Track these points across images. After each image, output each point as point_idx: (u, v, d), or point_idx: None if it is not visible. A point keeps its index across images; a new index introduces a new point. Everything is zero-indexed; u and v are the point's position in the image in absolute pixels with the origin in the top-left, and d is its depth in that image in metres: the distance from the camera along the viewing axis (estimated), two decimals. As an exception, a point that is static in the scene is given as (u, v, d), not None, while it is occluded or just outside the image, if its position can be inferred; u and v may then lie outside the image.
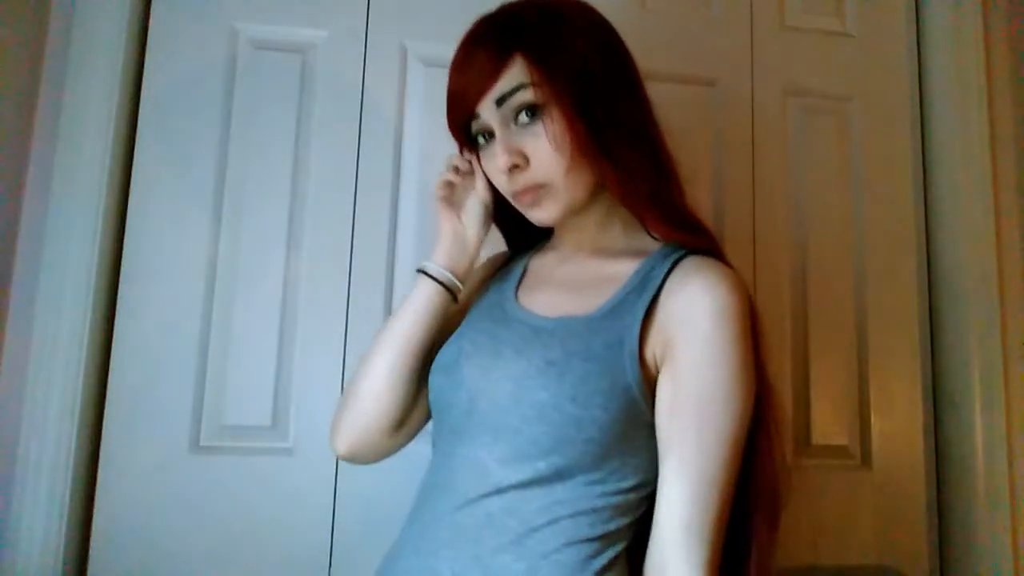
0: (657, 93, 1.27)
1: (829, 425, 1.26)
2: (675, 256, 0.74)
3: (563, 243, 0.85)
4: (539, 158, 0.72)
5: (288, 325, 1.13)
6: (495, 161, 0.74)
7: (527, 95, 0.71)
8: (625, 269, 0.76)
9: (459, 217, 0.84)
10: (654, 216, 0.75)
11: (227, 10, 1.18)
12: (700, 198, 1.28)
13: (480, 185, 0.83)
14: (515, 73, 0.71)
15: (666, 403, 0.68)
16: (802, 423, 1.25)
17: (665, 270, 0.72)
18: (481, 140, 0.77)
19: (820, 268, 1.30)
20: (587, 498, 0.68)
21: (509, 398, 0.68)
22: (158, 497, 1.07)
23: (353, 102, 1.19)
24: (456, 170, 0.84)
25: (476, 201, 0.84)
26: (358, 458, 0.83)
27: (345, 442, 0.81)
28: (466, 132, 0.78)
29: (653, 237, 0.79)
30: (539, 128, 0.72)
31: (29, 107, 1.10)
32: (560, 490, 0.67)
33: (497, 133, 0.74)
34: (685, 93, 1.29)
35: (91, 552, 1.05)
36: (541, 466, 0.67)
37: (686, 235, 0.75)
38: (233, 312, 1.12)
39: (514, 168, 0.73)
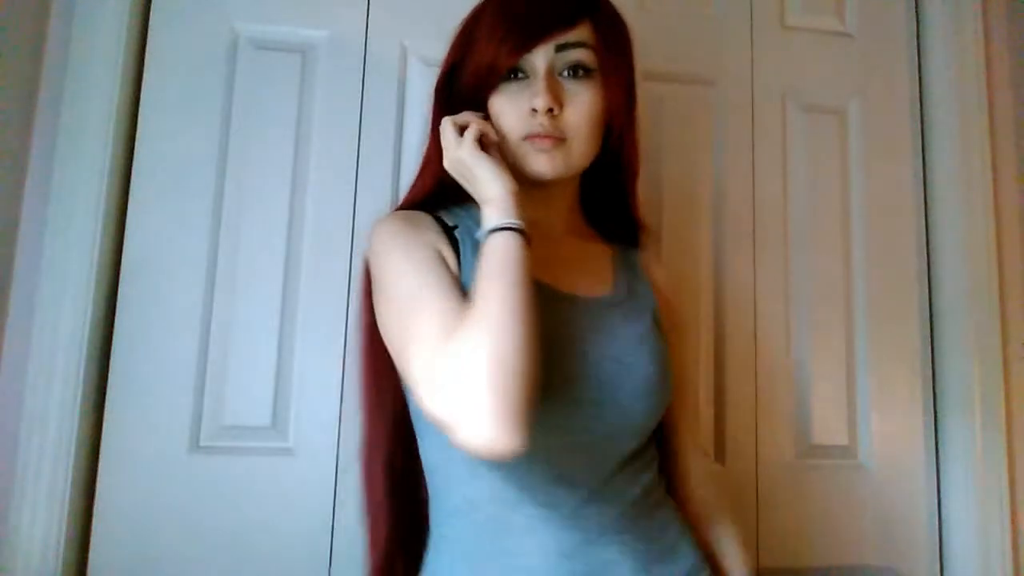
0: (657, 93, 1.28)
1: (829, 425, 1.26)
2: (631, 244, 0.90)
3: (538, 217, 0.78)
4: (572, 113, 0.76)
5: (288, 325, 1.13)
6: (530, 99, 0.75)
7: (585, 55, 0.77)
8: (600, 250, 0.87)
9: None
10: (635, 199, 0.89)
11: (227, 10, 1.18)
12: (700, 198, 1.28)
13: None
14: (582, 32, 0.77)
15: (677, 368, 0.81)
16: (802, 423, 1.25)
17: (637, 255, 0.89)
18: (513, 76, 0.78)
19: (820, 268, 1.30)
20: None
21: (646, 378, 0.77)
22: (158, 497, 1.07)
23: (353, 102, 1.19)
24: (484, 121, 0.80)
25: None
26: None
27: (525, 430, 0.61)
28: (498, 62, 0.76)
29: (586, 224, 0.90)
30: (582, 88, 0.77)
31: (29, 107, 1.10)
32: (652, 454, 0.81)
33: (542, 75, 0.76)
34: (685, 93, 1.29)
35: (91, 552, 1.05)
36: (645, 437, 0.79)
37: (641, 226, 0.91)
38: (233, 312, 1.12)
39: (551, 113, 0.75)
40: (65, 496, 1.03)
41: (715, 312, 1.25)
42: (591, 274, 0.82)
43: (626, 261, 0.87)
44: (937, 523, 1.27)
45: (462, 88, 0.81)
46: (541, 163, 0.77)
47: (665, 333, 0.82)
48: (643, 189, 1.23)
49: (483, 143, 0.76)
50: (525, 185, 0.75)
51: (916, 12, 1.40)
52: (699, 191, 1.28)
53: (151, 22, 1.17)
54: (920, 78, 1.39)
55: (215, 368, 1.11)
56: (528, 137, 0.76)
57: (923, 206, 1.35)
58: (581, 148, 0.78)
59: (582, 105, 0.76)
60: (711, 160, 1.29)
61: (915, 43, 1.39)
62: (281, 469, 1.10)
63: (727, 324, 1.25)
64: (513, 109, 0.77)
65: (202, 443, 1.09)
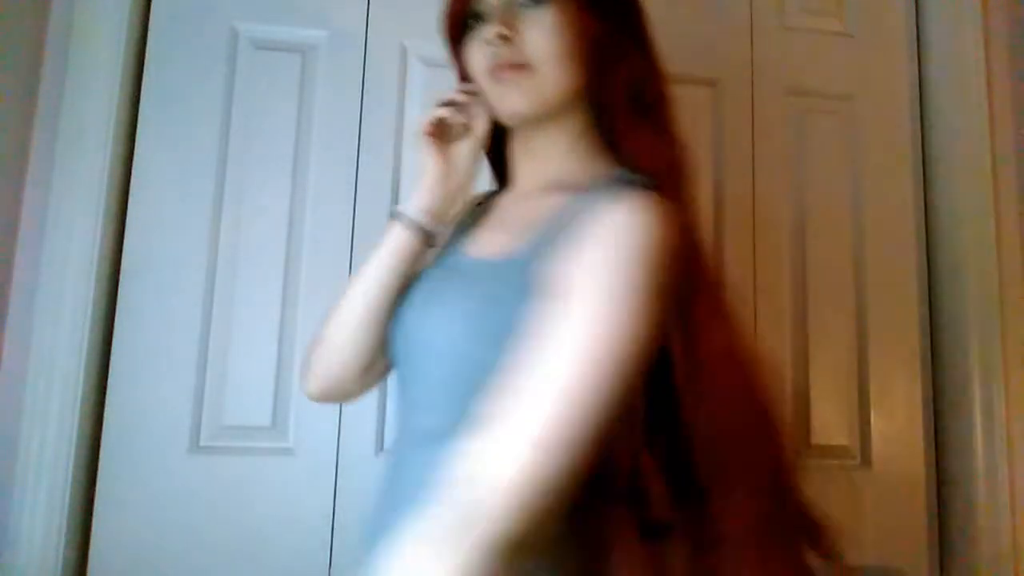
0: (657, 93, 1.28)
1: (829, 425, 1.26)
2: (615, 187, 0.66)
3: (522, 176, 0.78)
4: (533, 37, 0.69)
5: (288, 325, 1.13)
6: (484, 35, 0.71)
7: None
8: (555, 203, 0.70)
9: (447, 155, 0.78)
10: (628, 138, 0.70)
11: (227, 10, 1.18)
12: (700, 198, 1.27)
13: (480, 119, 0.77)
14: None
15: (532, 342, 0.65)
16: (802, 423, 1.25)
17: (594, 204, 0.64)
18: (471, 23, 0.73)
19: (820, 268, 1.30)
20: None
21: (432, 347, 0.68)
22: (158, 497, 1.07)
23: (353, 102, 1.19)
24: (451, 104, 0.78)
25: (470, 138, 0.78)
26: (328, 399, 0.84)
27: (317, 385, 0.79)
28: (462, 21, 0.74)
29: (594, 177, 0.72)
30: (542, 12, 0.69)
31: (29, 107, 1.10)
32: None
33: (497, 4, 0.71)
34: (685, 93, 1.29)
35: (91, 552, 1.05)
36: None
37: (650, 163, 0.69)
38: (233, 312, 1.12)
39: (503, 38, 0.69)
40: (65, 496, 1.03)
41: (715, 312, 1.25)
42: (510, 233, 0.71)
43: (568, 214, 0.66)
44: (937, 523, 1.27)
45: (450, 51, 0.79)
46: (511, 99, 0.70)
47: (540, 299, 0.60)
48: (643, 189, 1.24)
49: (447, 127, 0.77)
50: (524, 139, 0.74)
51: (916, 12, 1.40)
52: (699, 190, 1.27)
53: (151, 22, 1.17)
54: (920, 78, 1.39)
55: (215, 368, 1.11)
56: (491, 73, 0.71)
57: (923, 206, 1.35)
58: (553, 75, 0.69)
59: (543, 27, 0.69)
60: (711, 160, 1.29)
61: (915, 43, 1.39)
62: (281, 469, 1.10)
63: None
64: (476, 51, 0.73)
65: (202, 443, 1.09)
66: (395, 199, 1.18)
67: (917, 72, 1.39)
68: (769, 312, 1.27)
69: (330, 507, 1.10)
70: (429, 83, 1.21)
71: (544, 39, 0.69)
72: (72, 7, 1.12)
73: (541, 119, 0.72)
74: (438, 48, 1.20)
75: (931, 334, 1.32)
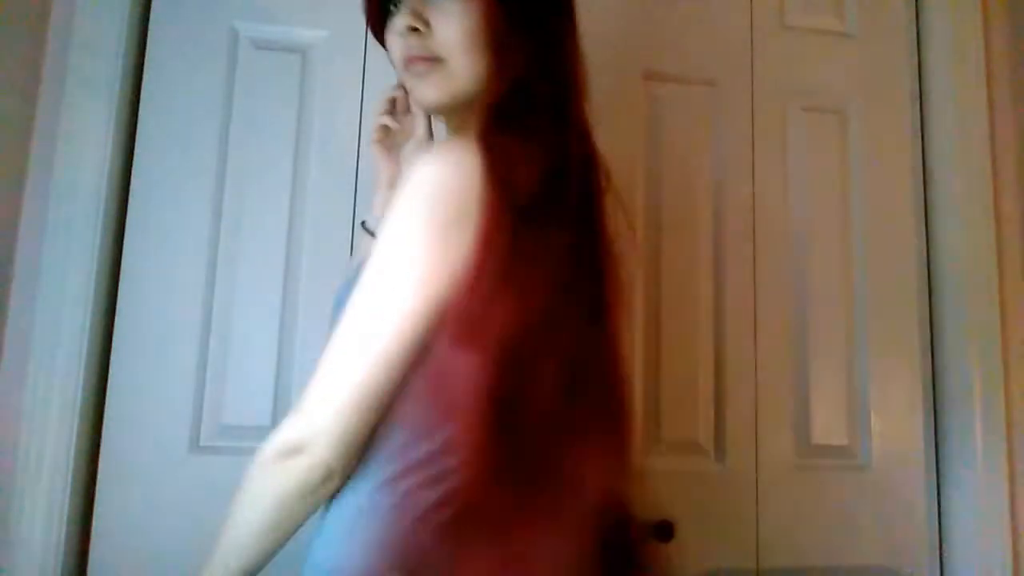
0: (657, 93, 1.28)
1: (829, 425, 1.26)
2: None
3: None
4: (444, 31, 0.70)
5: (288, 325, 1.13)
6: (396, 27, 0.72)
7: None
8: None
9: (397, 159, 0.82)
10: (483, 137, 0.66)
11: (227, 10, 1.18)
12: (700, 198, 1.28)
13: (420, 122, 0.81)
14: None
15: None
16: (801, 423, 1.25)
17: None
18: (392, 9, 0.75)
19: (820, 268, 1.30)
20: None
21: None
22: (158, 497, 1.07)
23: (353, 102, 1.19)
24: (391, 108, 0.81)
25: (414, 142, 0.82)
26: None
27: None
28: (380, 6, 0.76)
29: None
30: (453, 4, 0.70)
31: (29, 107, 1.10)
32: None
33: None
34: (685, 93, 1.29)
35: (91, 552, 1.05)
36: None
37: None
38: (233, 312, 1.12)
39: (413, 31, 0.70)
40: (65, 496, 1.03)
41: (715, 312, 1.25)
42: None
43: None
44: (937, 523, 1.27)
45: None
46: (422, 91, 0.73)
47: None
48: (642, 189, 1.25)
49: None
50: (447, 124, 0.76)
51: (916, 12, 1.40)
52: (699, 191, 1.28)
53: (151, 22, 1.17)
54: (920, 78, 1.39)
55: (215, 368, 1.11)
56: (405, 64, 0.73)
57: (923, 206, 1.35)
58: (462, 66, 0.70)
59: (452, 19, 0.70)
60: (711, 160, 1.29)
61: (915, 43, 1.39)
62: (281, 469, 1.10)
63: (727, 324, 1.25)
64: (392, 41, 0.75)
65: (202, 443, 1.09)
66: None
67: (917, 72, 1.39)
68: (769, 312, 1.26)
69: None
70: (429, 83, 1.21)
71: (453, 31, 0.70)
72: (72, 7, 1.12)
73: (456, 108, 0.74)
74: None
75: (931, 334, 1.32)
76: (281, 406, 1.11)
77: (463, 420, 0.61)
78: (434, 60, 0.71)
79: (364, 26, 1.19)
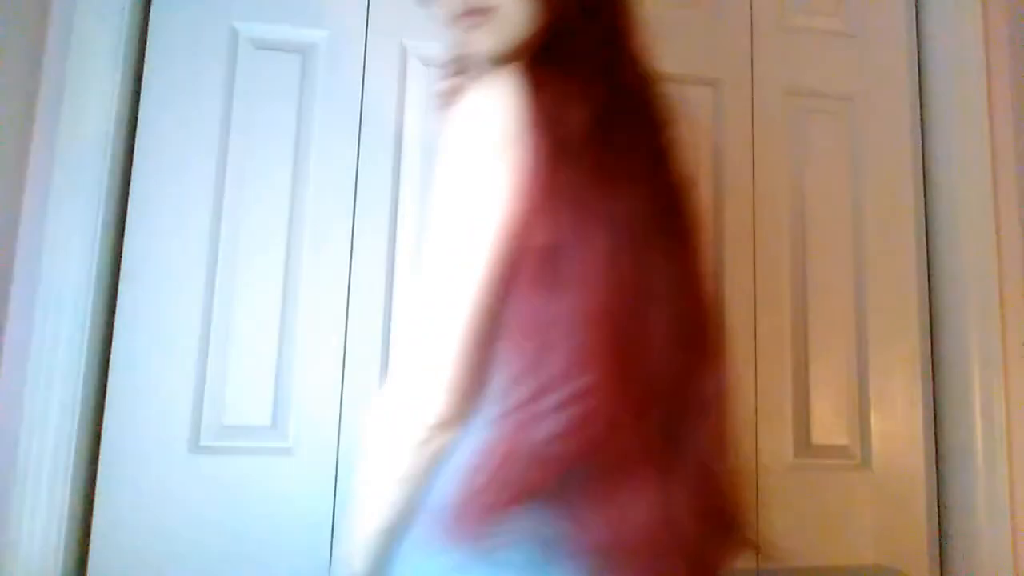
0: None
1: (829, 425, 1.26)
2: None
3: None
4: None
5: (288, 325, 1.13)
6: None
7: None
8: None
9: None
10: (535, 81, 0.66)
11: (227, 10, 1.18)
12: (700, 198, 1.28)
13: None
14: None
15: None
16: (802, 423, 1.25)
17: None
18: None
19: (820, 268, 1.30)
20: None
21: None
22: (158, 497, 1.07)
23: (353, 102, 1.19)
24: (453, 70, 0.82)
25: None
26: None
27: None
28: None
29: None
30: None
31: (29, 107, 1.10)
32: None
33: None
34: (685, 93, 1.29)
35: (91, 552, 1.05)
36: None
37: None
38: (233, 312, 1.12)
39: None
40: (65, 496, 1.03)
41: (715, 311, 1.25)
42: None
43: None
44: (937, 523, 1.27)
45: None
46: (478, 40, 0.73)
47: None
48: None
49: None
50: (503, 49, 0.74)
51: (916, 12, 1.40)
52: (699, 191, 1.28)
53: (151, 22, 1.17)
54: (920, 78, 1.39)
55: (215, 368, 1.11)
56: (457, 20, 0.74)
57: (923, 206, 1.35)
58: (513, 11, 0.70)
59: None
60: (711, 160, 1.29)
61: (915, 43, 1.39)
62: (281, 469, 1.10)
63: (727, 324, 1.25)
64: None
65: (202, 443, 1.09)
66: (395, 200, 1.18)
67: (917, 72, 1.39)
68: (769, 312, 1.26)
69: (330, 507, 1.10)
70: (429, 83, 1.21)
71: None
72: (73, 7, 1.12)
73: (509, 55, 0.72)
74: (438, 48, 1.21)
75: (931, 334, 1.32)
76: (281, 406, 1.11)
77: (592, 361, 0.60)
78: (486, 10, 0.72)
79: (364, 26, 1.21)
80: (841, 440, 1.26)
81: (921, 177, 1.36)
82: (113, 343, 1.10)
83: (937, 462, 1.29)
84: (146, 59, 1.16)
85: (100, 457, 1.07)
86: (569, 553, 0.60)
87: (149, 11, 1.17)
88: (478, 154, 0.63)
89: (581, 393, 0.59)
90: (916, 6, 1.40)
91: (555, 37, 0.70)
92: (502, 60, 0.72)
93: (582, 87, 0.65)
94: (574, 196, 0.62)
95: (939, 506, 1.28)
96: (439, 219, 0.65)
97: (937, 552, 1.26)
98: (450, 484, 0.64)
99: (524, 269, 0.62)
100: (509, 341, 0.63)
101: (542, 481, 0.59)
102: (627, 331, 0.61)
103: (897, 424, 1.28)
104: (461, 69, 0.81)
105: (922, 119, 1.38)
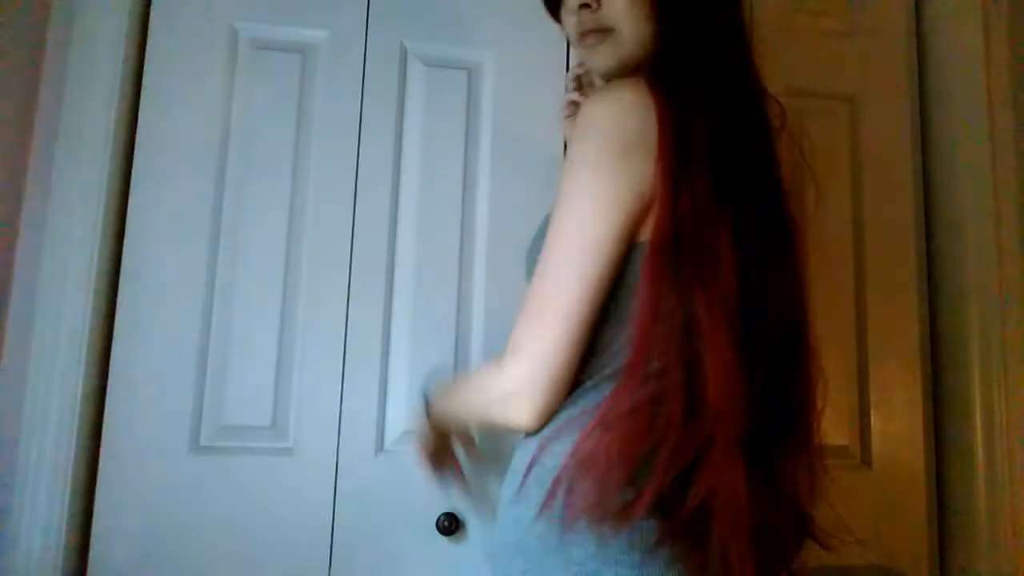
0: (657, 93, 1.28)
1: (829, 425, 1.25)
2: None
3: None
4: (612, 4, 0.77)
5: (288, 325, 1.13)
6: (569, 5, 0.80)
7: None
8: None
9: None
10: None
11: (227, 10, 1.18)
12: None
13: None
14: None
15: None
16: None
17: None
18: None
19: (820, 268, 1.29)
20: None
21: None
22: (158, 497, 1.07)
23: (353, 102, 1.19)
24: (578, 85, 0.98)
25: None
26: None
27: None
28: None
29: None
30: None
31: (29, 107, 1.10)
32: None
33: None
34: (685, 93, 1.29)
35: (91, 552, 1.05)
36: None
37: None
38: (233, 312, 1.12)
39: (585, 7, 0.78)
40: (65, 496, 1.03)
41: (715, 312, 1.25)
42: None
43: None
44: (937, 523, 1.27)
45: None
46: (595, 59, 0.80)
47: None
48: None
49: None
50: (621, 66, 0.80)
51: (916, 11, 1.40)
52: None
53: (151, 22, 1.17)
54: (920, 77, 1.39)
55: (215, 368, 1.11)
56: (578, 39, 0.81)
57: (923, 206, 1.35)
58: (629, 33, 0.77)
59: None
60: (711, 160, 1.29)
61: (915, 42, 1.39)
62: (281, 469, 1.10)
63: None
64: (567, 17, 0.82)
65: (202, 443, 1.09)
66: (395, 200, 1.18)
67: (917, 72, 1.39)
68: (769, 312, 1.26)
69: (330, 507, 1.10)
70: (429, 83, 1.21)
71: (620, 3, 0.77)
72: (72, 7, 1.12)
73: (627, 72, 0.79)
74: (438, 48, 1.22)
75: (931, 334, 1.32)
76: (281, 406, 1.11)
77: (712, 352, 0.63)
78: (605, 31, 0.78)
79: (364, 26, 1.21)
80: (841, 440, 1.26)
81: (921, 177, 1.36)
82: (113, 343, 1.10)
83: (937, 462, 1.29)
84: (146, 59, 1.16)
85: (100, 457, 1.07)
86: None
87: (149, 11, 1.17)
88: (599, 152, 0.68)
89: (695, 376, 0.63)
90: (916, 6, 1.40)
91: (678, 53, 0.74)
92: (619, 76, 0.79)
93: (705, 98, 0.70)
94: (698, 200, 0.65)
95: (939, 506, 1.28)
96: (561, 213, 0.69)
97: (937, 552, 1.26)
98: (535, 449, 0.68)
99: (648, 265, 0.66)
100: (622, 324, 0.68)
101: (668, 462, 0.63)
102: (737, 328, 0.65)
103: (897, 424, 1.28)
104: (583, 84, 0.93)
105: (922, 119, 1.38)
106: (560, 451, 0.66)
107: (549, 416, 0.69)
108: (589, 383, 0.70)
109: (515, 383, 0.68)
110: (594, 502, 0.62)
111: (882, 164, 1.34)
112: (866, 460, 1.26)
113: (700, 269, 0.64)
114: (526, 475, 0.68)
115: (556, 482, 0.65)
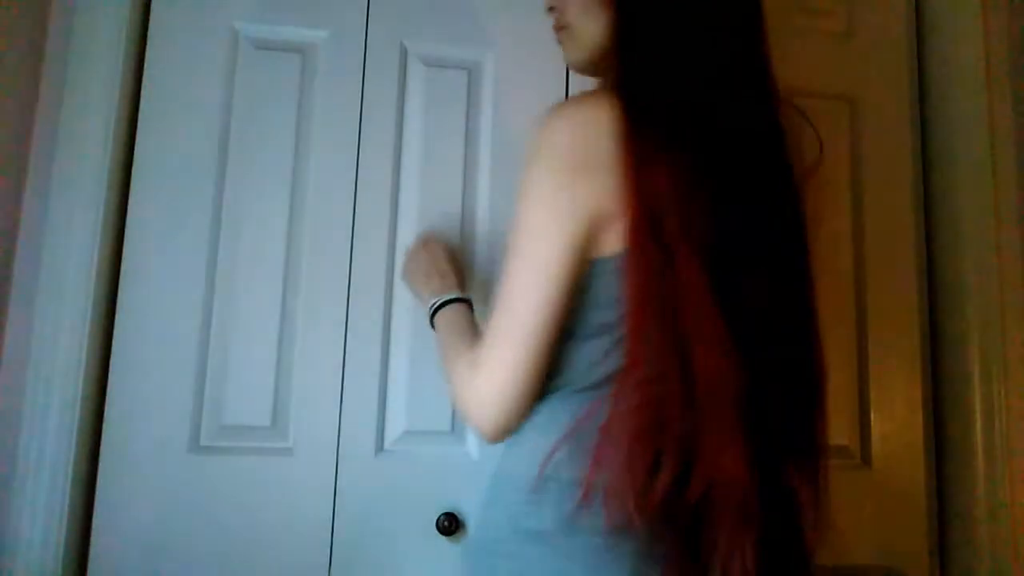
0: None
1: (829, 425, 1.26)
2: None
3: None
4: (566, 1, 0.81)
5: (288, 325, 1.13)
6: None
7: None
8: None
9: None
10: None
11: (227, 10, 1.18)
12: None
13: None
14: None
15: None
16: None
17: None
18: None
19: (820, 268, 1.29)
20: None
21: None
22: (158, 497, 1.07)
23: (353, 102, 1.19)
24: None
25: None
26: None
27: None
28: None
29: None
30: None
31: (29, 107, 1.10)
32: None
33: None
34: (685, 93, 1.29)
35: (91, 552, 1.05)
36: None
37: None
38: (233, 312, 1.12)
39: (551, 10, 0.84)
40: (65, 496, 1.03)
41: (715, 312, 1.25)
42: None
43: None
44: (937, 523, 1.27)
45: None
46: (565, 54, 0.85)
47: None
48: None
49: None
50: (587, 59, 0.83)
51: (916, 12, 1.40)
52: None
53: (151, 22, 1.17)
54: (920, 78, 1.39)
55: (215, 368, 1.11)
56: (556, 36, 0.85)
57: (923, 206, 1.35)
58: (580, 28, 0.80)
59: None
60: (711, 160, 1.29)
61: (915, 43, 1.39)
62: (281, 469, 1.10)
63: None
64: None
65: (202, 443, 1.09)
66: (395, 200, 1.18)
67: (917, 72, 1.39)
68: (769, 312, 1.26)
69: (330, 507, 1.10)
70: (429, 83, 1.21)
71: (574, 1, 0.80)
72: (72, 7, 1.12)
73: (598, 68, 0.82)
74: (438, 48, 1.22)
75: (931, 334, 1.32)
76: (281, 406, 1.11)
77: (699, 333, 0.63)
78: (564, 28, 0.83)
79: (364, 26, 1.21)
80: (841, 440, 1.26)
81: (921, 176, 1.36)
82: (113, 343, 1.10)
83: (937, 462, 1.29)
84: (146, 59, 1.16)
85: (100, 457, 1.07)
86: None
87: (149, 11, 1.17)
88: (549, 172, 0.69)
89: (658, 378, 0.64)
90: (916, 6, 1.40)
91: (638, 48, 0.73)
92: (588, 71, 0.83)
93: (668, 98, 0.69)
94: (665, 204, 0.65)
95: (939, 506, 1.28)
96: (514, 232, 0.71)
97: (937, 552, 1.26)
98: (516, 454, 0.72)
99: (603, 274, 0.68)
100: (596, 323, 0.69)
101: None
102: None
103: (897, 424, 1.28)
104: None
105: (922, 119, 1.38)
106: (567, 460, 0.68)
107: (508, 430, 0.72)
108: (555, 396, 0.72)
109: (479, 396, 0.71)
110: (625, 494, 0.62)
111: (882, 164, 1.34)
112: (866, 460, 1.26)
113: (672, 261, 0.64)
114: (538, 485, 0.69)
115: (585, 487, 0.65)
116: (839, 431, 1.26)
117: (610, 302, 0.68)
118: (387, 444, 1.13)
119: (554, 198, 0.68)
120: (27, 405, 1.04)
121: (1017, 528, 1.21)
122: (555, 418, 0.70)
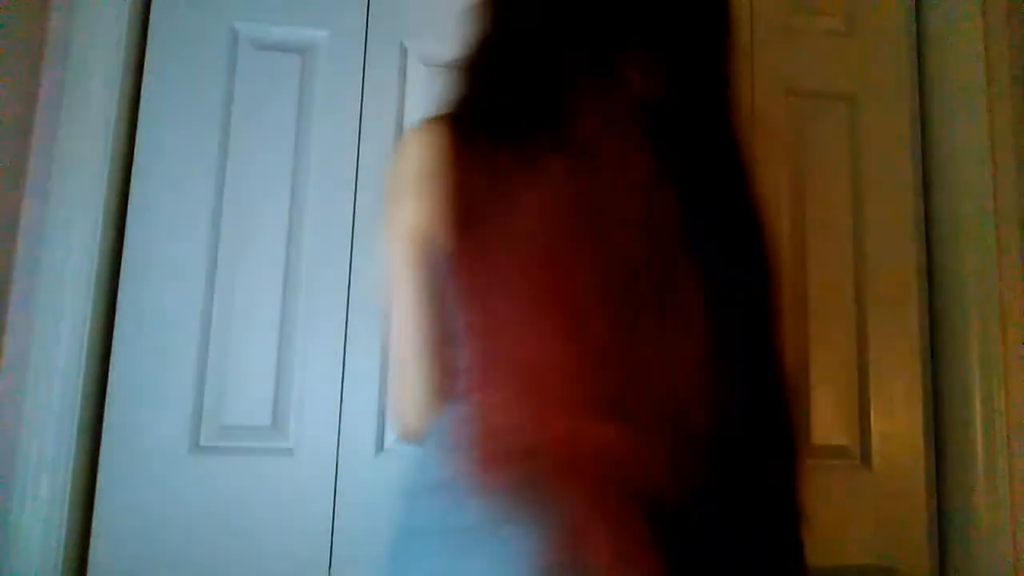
0: (657, 93, 1.28)
1: (829, 425, 1.26)
2: None
3: None
4: None
5: (288, 325, 1.13)
6: None
7: None
8: None
9: None
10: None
11: (227, 10, 1.18)
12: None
13: None
14: None
15: None
16: (802, 423, 1.25)
17: None
18: None
19: (820, 268, 1.30)
20: None
21: None
22: (158, 497, 1.07)
23: (353, 102, 1.19)
24: None
25: None
26: None
27: None
28: None
29: None
30: None
31: (29, 107, 1.10)
32: None
33: None
34: (685, 93, 1.29)
35: (91, 552, 1.05)
36: None
37: None
38: (233, 312, 1.12)
39: None
40: (65, 496, 1.03)
41: (715, 312, 1.25)
42: None
43: None
44: (937, 523, 1.27)
45: None
46: None
47: None
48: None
49: None
50: None
51: (916, 11, 1.40)
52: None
53: (151, 22, 1.17)
54: (920, 77, 1.39)
55: (215, 368, 1.11)
56: None
57: (923, 205, 1.35)
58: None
59: None
60: (711, 160, 1.29)
61: (915, 42, 1.39)
62: (281, 469, 1.10)
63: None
64: None
65: (202, 443, 1.09)
66: (395, 199, 1.18)
67: (917, 71, 1.39)
68: (769, 312, 1.26)
69: (330, 507, 1.10)
70: (429, 83, 1.21)
71: None
72: (72, 7, 1.12)
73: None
74: (438, 48, 1.22)
75: (931, 334, 1.32)
76: (281, 406, 1.11)
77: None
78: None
79: (364, 26, 1.21)
80: (841, 440, 1.26)
81: (921, 177, 1.36)
82: (113, 343, 1.10)
83: (937, 462, 1.29)
84: (146, 59, 1.16)
85: (100, 457, 1.07)
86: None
87: (149, 11, 1.17)
88: (386, 199, 0.76)
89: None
90: (916, 5, 1.40)
91: (472, 61, 0.77)
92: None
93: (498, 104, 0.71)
94: (475, 216, 0.66)
95: (939, 506, 1.28)
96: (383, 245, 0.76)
97: (937, 552, 1.26)
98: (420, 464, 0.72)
99: (446, 282, 0.69)
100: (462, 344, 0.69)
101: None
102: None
103: (897, 424, 1.28)
104: None
105: (922, 118, 1.38)
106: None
107: (423, 407, 0.74)
108: (449, 403, 0.70)
109: (398, 430, 0.79)
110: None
111: (882, 164, 1.34)
112: (866, 460, 1.26)
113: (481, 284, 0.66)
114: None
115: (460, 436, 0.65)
116: (839, 431, 1.26)
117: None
118: (387, 444, 1.13)
119: (388, 226, 0.76)
120: (27, 405, 1.04)
121: (1017, 528, 1.21)
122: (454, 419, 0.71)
